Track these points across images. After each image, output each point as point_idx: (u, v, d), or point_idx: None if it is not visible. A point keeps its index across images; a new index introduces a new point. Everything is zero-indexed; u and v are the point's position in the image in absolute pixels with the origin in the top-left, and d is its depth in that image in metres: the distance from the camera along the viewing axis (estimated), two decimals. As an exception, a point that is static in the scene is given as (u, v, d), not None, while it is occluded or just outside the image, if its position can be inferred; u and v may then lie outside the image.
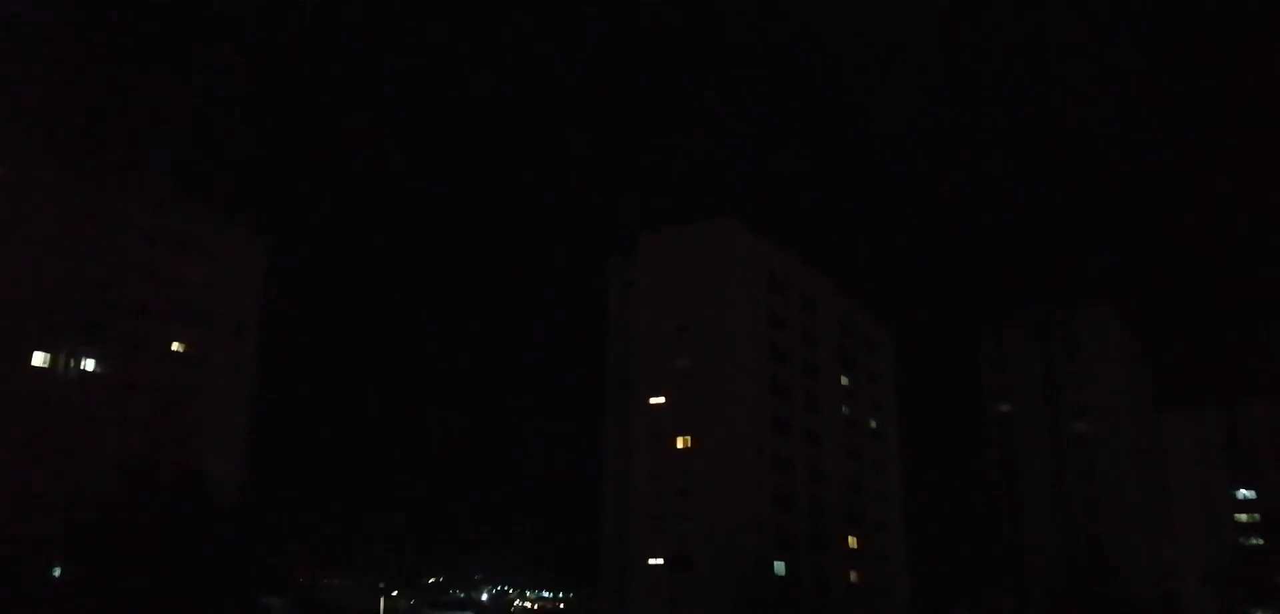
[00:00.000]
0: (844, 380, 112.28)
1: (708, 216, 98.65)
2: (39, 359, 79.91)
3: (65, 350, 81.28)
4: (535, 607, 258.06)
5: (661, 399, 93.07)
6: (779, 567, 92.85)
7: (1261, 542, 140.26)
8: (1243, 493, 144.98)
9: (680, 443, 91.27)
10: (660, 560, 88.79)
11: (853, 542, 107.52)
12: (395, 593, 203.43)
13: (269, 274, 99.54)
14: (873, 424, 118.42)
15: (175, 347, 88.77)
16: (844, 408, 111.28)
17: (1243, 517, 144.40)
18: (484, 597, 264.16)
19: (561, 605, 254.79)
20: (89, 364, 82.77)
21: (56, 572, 74.96)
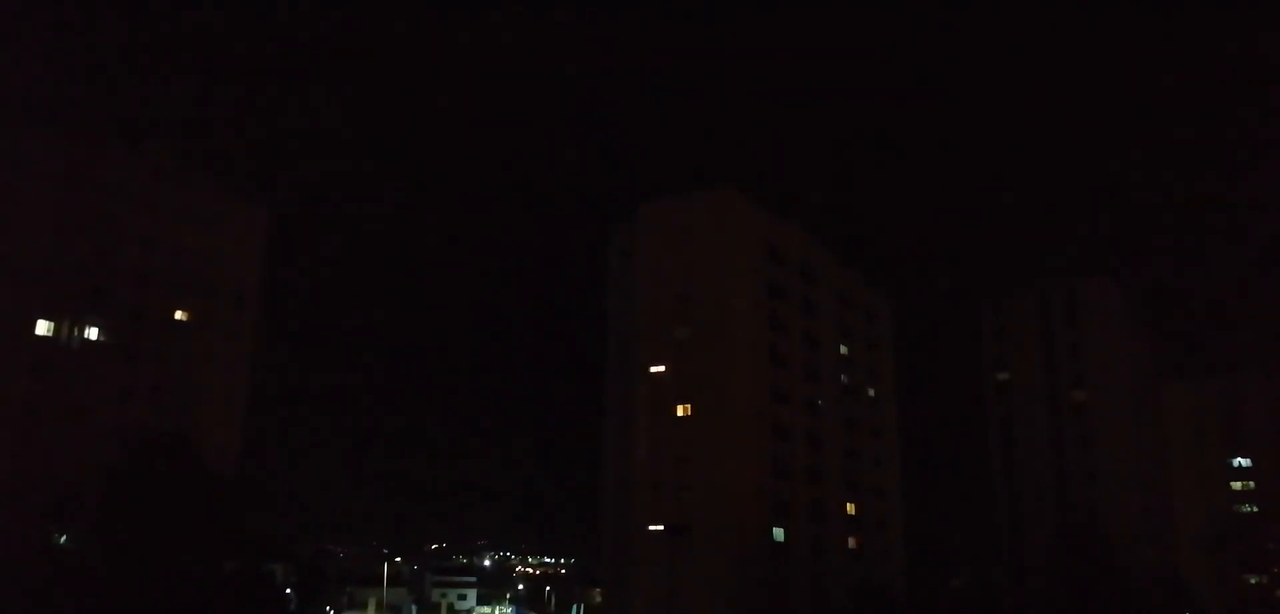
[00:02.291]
0: (843, 349, 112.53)
1: (708, 186, 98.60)
2: (42, 328, 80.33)
3: (68, 319, 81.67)
4: (537, 572, 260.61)
5: (661, 368, 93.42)
6: (778, 533, 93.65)
7: (1255, 509, 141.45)
8: (1238, 461, 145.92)
9: (680, 412, 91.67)
10: (660, 528, 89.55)
11: (851, 509, 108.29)
12: (398, 559, 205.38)
13: (270, 243, 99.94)
14: (871, 393, 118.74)
15: (177, 315, 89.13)
16: (843, 377, 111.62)
17: (1237, 485, 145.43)
18: (486, 562, 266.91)
19: (562, 571, 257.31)
20: (92, 333, 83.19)
21: (62, 539, 75.74)
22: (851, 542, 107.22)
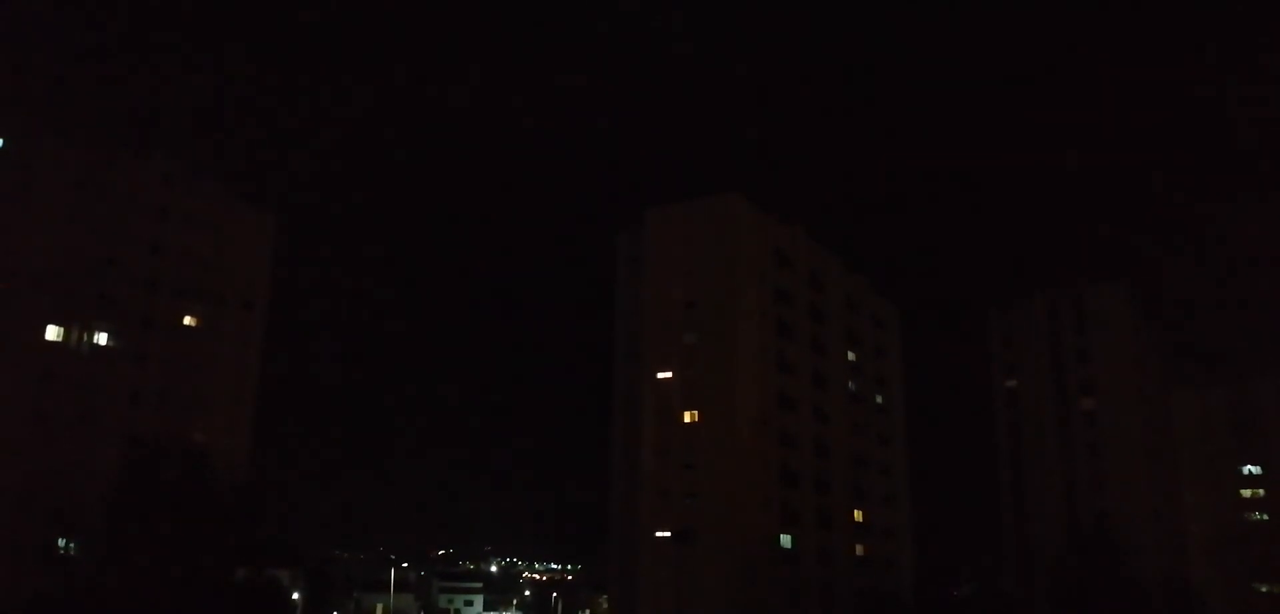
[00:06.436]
0: (851, 356, 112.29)
1: (715, 192, 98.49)
2: (52, 333, 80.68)
3: (78, 324, 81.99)
4: (543, 578, 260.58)
5: (668, 374, 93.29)
6: (785, 540, 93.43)
7: (1266, 517, 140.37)
8: (1249, 468, 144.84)
9: (687, 418, 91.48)
10: (667, 534, 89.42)
11: (858, 516, 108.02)
12: (405, 565, 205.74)
13: (278, 248, 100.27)
14: (879, 400, 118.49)
15: (185, 321, 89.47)
16: (850, 383, 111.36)
17: (1248, 492, 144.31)
18: (493, 569, 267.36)
19: (569, 577, 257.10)
20: (101, 338, 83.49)
21: (70, 545, 75.93)
22: (859, 549, 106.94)
